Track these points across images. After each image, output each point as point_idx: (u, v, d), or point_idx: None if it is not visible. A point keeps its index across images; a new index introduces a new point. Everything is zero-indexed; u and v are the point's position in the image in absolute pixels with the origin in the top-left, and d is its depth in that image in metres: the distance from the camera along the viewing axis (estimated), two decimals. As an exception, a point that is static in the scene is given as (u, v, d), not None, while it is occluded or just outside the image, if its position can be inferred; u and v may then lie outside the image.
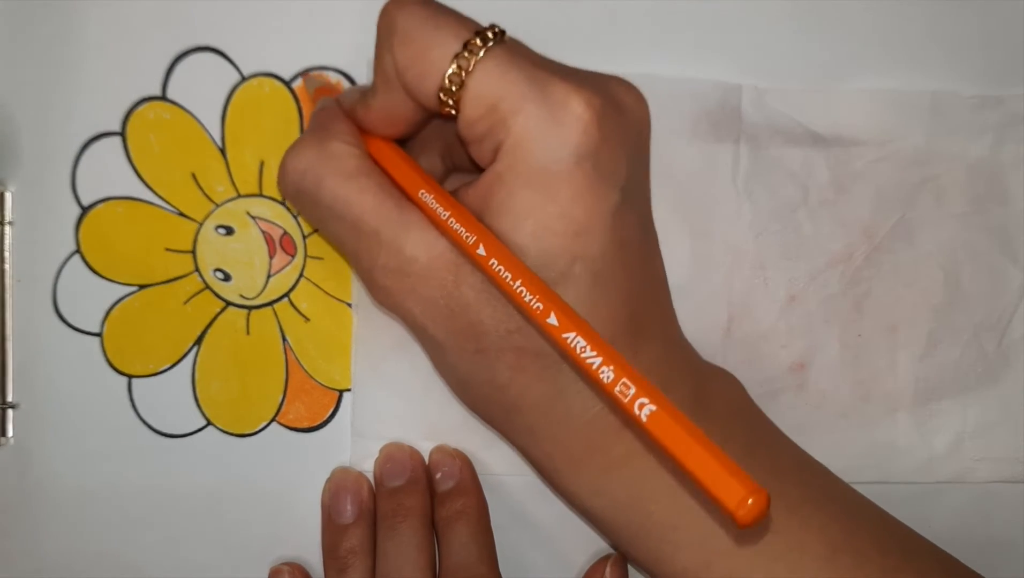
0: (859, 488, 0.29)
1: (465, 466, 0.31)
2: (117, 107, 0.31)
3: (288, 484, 0.32)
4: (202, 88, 0.31)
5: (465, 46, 0.24)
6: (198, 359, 0.32)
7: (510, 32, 0.25)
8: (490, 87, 0.24)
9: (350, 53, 0.32)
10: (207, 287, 0.32)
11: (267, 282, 0.32)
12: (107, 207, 0.32)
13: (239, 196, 0.32)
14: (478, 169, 0.26)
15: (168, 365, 0.32)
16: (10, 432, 0.32)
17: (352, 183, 0.26)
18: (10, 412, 0.32)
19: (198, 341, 0.32)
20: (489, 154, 0.25)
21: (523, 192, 0.24)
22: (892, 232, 0.32)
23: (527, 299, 0.23)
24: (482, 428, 0.31)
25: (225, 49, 0.31)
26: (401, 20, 0.25)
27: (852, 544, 0.27)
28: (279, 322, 0.32)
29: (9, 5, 0.31)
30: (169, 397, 0.32)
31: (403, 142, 0.28)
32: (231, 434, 0.32)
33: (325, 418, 0.32)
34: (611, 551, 0.32)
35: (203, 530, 0.32)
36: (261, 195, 0.32)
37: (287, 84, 0.32)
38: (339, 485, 0.31)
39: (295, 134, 0.32)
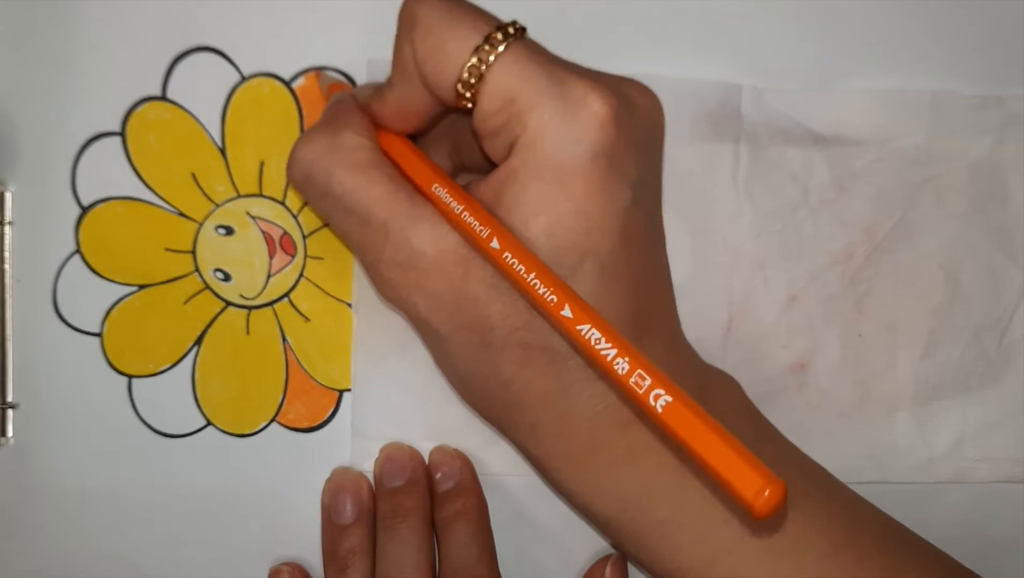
0: (859, 488, 0.29)
1: (465, 466, 0.31)
2: (117, 107, 0.31)
3: (288, 484, 0.32)
4: (202, 88, 0.31)
5: (486, 40, 0.24)
6: (198, 359, 0.32)
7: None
8: (508, 81, 0.24)
9: (350, 53, 0.32)
10: (207, 287, 0.32)
11: (267, 282, 0.32)
12: (107, 207, 0.32)
13: (239, 196, 0.32)
14: (487, 167, 0.26)
15: (168, 365, 0.32)
16: (10, 432, 0.32)
17: (362, 174, 0.26)
18: (10, 412, 0.32)
19: (198, 341, 0.32)
20: (503, 149, 0.25)
21: (537, 187, 0.24)
22: (892, 232, 0.32)
23: (541, 291, 0.23)
24: (482, 428, 0.31)
25: (225, 49, 0.31)
26: (422, 13, 0.25)
27: (854, 542, 0.27)
28: (279, 322, 0.32)
29: (9, 5, 0.31)
30: (169, 397, 0.32)
31: (413, 140, 0.28)
32: (231, 434, 0.32)
33: (325, 418, 0.32)
34: (611, 551, 0.32)
35: (203, 530, 0.32)
36: (261, 195, 0.32)
37: (287, 84, 0.32)
38: (339, 485, 0.31)
39: (295, 134, 0.32)
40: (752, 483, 0.19)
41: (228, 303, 0.32)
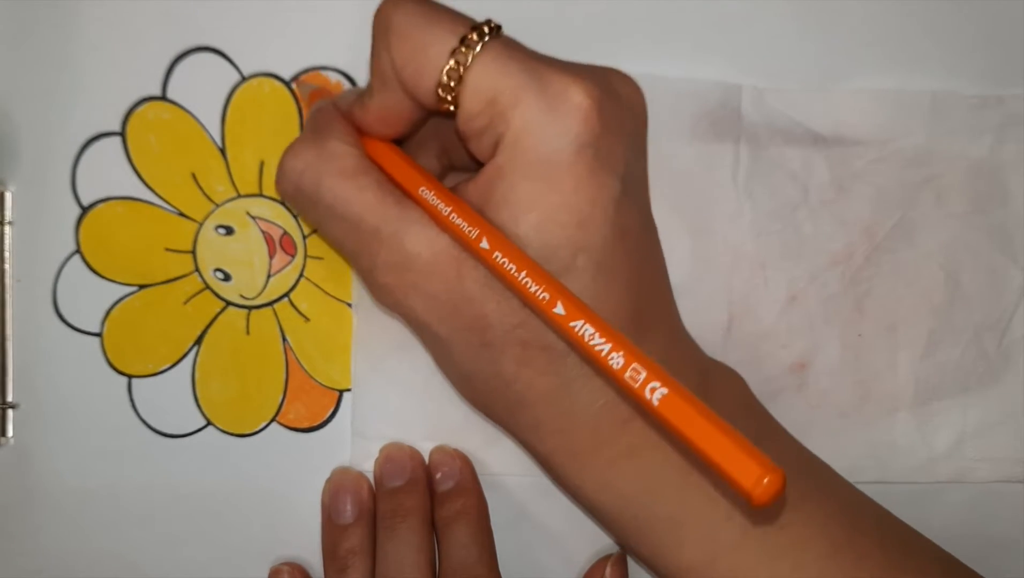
0: (859, 488, 0.29)
1: (465, 466, 0.31)
2: (117, 107, 0.31)
3: (288, 484, 0.32)
4: (202, 88, 0.31)
5: (462, 41, 0.24)
6: (198, 359, 0.32)
7: (508, 32, 0.25)
8: (488, 81, 0.24)
9: (350, 53, 0.32)
10: (207, 287, 0.32)
11: (267, 282, 0.32)
12: (107, 207, 0.32)
13: (239, 196, 0.32)
14: (475, 168, 0.26)
15: (168, 365, 0.32)
16: (10, 432, 0.32)
17: (351, 182, 0.26)
18: (10, 412, 0.32)
19: (198, 341, 0.32)
20: (489, 149, 0.25)
21: (525, 184, 0.24)
22: (892, 232, 0.32)
23: (532, 289, 0.23)
24: (482, 428, 0.31)
25: (225, 49, 0.31)
26: (397, 18, 0.25)
27: (854, 541, 0.27)
28: (279, 322, 0.32)
29: (9, 5, 0.31)
30: (169, 397, 0.32)
31: (399, 143, 0.28)
32: (231, 434, 0.32)
33: (325, 418, 0.32)
34: (612, 551, 0.32)
35: (203, 530, 0.32)
36: (261, 195, 0.32)
37: (287, 84, 0.32)
38: (339, 485, 0.31)
39: (295, 134, 0.32)
40: (751, 472, 0.19)
41: (228, 303, 0.32)
